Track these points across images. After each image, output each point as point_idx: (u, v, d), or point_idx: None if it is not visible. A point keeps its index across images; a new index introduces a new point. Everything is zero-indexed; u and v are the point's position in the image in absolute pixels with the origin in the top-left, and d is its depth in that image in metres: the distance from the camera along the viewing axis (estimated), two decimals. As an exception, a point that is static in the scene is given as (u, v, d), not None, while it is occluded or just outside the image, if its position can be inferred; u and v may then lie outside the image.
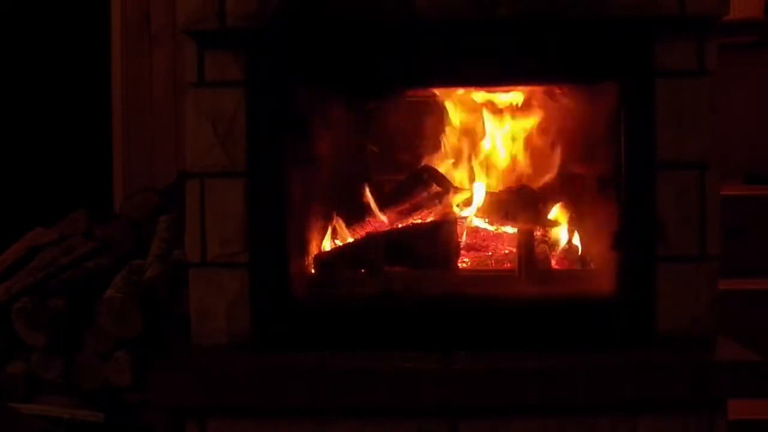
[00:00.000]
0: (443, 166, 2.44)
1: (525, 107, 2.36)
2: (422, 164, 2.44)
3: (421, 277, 2.17)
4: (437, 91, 2.37)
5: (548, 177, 2.35)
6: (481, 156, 2.42)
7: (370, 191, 2.40)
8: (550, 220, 2.30)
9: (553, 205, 2.31)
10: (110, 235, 2.74)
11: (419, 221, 2.36)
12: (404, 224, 2.35)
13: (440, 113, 2.42)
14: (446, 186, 2.39)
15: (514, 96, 2.34)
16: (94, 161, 3.36)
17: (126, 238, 2.75)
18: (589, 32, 2.02)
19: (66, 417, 2.29)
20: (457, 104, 2.40)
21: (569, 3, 1.97)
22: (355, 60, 2.08)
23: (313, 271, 2.23)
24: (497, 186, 2.39)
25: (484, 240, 2.34)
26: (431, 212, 2.37)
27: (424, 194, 2.38)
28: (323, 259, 2.25)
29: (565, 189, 2.31)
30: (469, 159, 2.43)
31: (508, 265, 2.25)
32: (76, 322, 2.38)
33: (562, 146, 2.33)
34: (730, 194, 2.72)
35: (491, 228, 2.34)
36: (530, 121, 2.37)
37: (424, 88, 2.31)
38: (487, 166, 2.42)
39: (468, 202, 2.36)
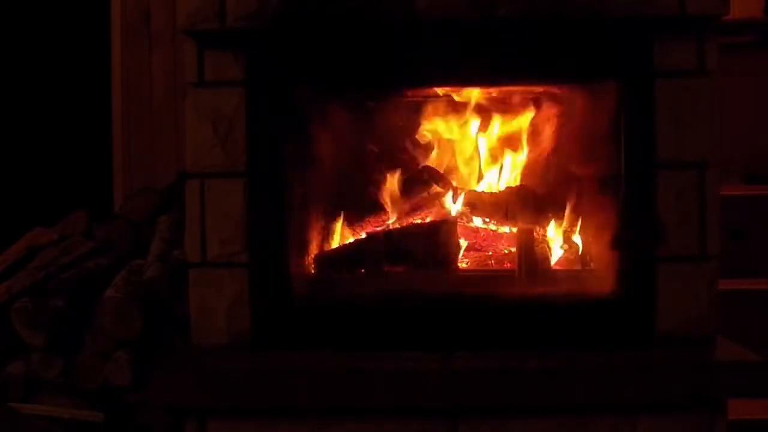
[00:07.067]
0: (443, 166, 2.43)
1: (525, 107, 2.36)
2: (422, 164, 2.44)
3: (421, 277, 2.17)
4: (437, 91, 2.36)
5: (548, 177, 2.35)
6: (481, 156, 2.42)
7: (372, 191, 2.40)
8: (549, 220, 2.30)
9: (553, 205, 2.31)
10: (110, 235, 2.73)
11: (419, 221, 2.36)
12: (404, 224, 2.35)
13: (439, 113, 2.41)
14: (446, 186, 2.38)
15: (514, 96, 2.34)
16: (94, 161, 3.36)
17: (126, 238, 2.75)
18: (588, 32, 2.02)
19: (66, 417, 2.28)
20: (456, 104, 2.40)
21: (569, 3, 1.97)
22: (354, 60, 2.08)
23: (313, 271, 2.23)
24: (497, 186, 2.39)
25: (484, 240, 2.34)
26: (431, 212, 2.37)
27: (424, 194, 2.38)
28: (323, 259, 2.25)
29: (565, 189, 2.31)
30: (469, 159, 2.43)
31: (508, 265, 2.25)
32: (76, 322, 2.38)
33: (562, 146, 2.33)
34: (730, 194, 2.72)
35: (491, 228, 2.34)
36: (530, 122, 2.37)
37: (424, 88, 2.31)
38: (487, 167, 2.42)
39: (467, 202, 2.35)
